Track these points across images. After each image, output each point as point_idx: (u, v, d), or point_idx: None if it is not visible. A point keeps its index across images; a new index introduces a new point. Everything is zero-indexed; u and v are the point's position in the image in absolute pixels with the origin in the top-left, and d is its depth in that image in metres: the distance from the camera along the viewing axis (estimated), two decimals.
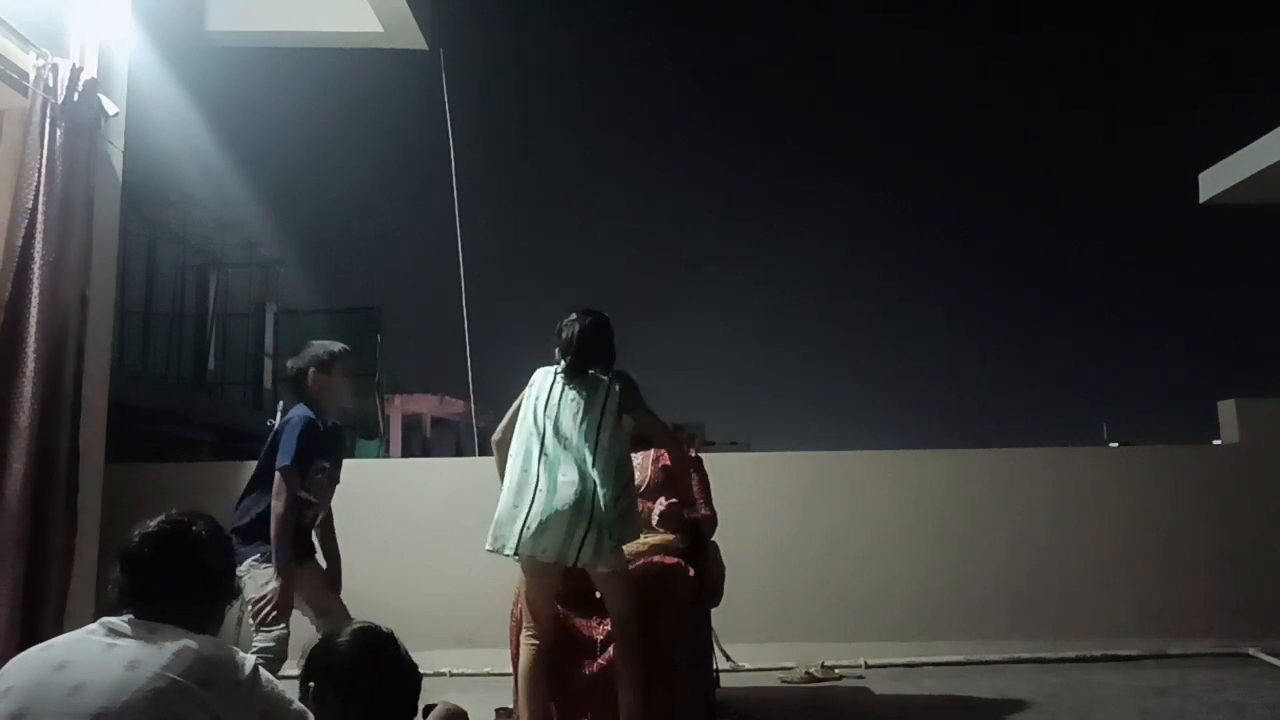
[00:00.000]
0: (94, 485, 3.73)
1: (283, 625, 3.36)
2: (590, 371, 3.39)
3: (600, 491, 3.18)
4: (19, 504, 3.16)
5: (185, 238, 13.41)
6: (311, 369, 3.67)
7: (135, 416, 9.79)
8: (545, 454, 3.25)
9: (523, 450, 3.31)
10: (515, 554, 3.19)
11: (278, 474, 3.41)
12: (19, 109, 3.47)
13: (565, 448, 3.25)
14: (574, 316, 3.49)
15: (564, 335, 3.46)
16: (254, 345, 14.83)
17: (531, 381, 3.48)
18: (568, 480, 3.18)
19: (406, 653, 2.02)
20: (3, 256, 3.34)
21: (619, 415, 3.35)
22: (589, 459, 3.23)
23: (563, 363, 3.43)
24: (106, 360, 3.90)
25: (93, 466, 3.71)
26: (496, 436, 3.54)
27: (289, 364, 3.76)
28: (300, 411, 3.58)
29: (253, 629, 3.35)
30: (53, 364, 3.33)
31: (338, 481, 3.78)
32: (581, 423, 3.28)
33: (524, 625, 3.39)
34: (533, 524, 3.15)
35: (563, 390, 3.37)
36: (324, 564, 3.75)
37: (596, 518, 3.16)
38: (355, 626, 2.04)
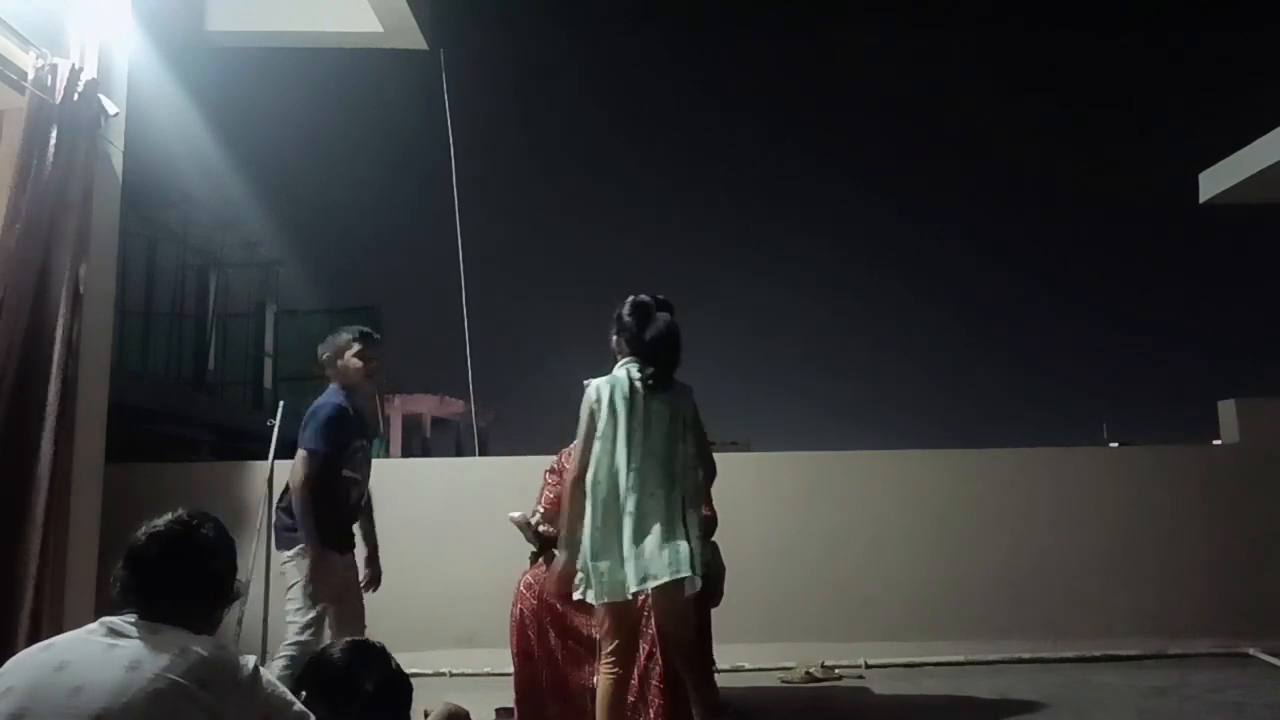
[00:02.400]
0: (94, 485, 3.72)
1: (321, 605, 3.37)
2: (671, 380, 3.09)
3: (689, 510, 3.03)
4: None
5: (185, 238, 13.42)
6: (327, 354, 3.70)
7: (135, 416, 9.81)
8: (635, 478, 2.96)
9: (612, 478, 2.99)
10: (635, 593, 2.94)
11: (297, 455, 3.46)
12: (19, 109, 3.47)
13: (656, 468, 2.99)
14: (648, 300, 3.09)
15: (649, 336, 3.06)
16: (254, 345, 14.87)
17: (597, 398, 3.05)
18: (660, 502, 2.96)
19: (397, 664, 2.08)
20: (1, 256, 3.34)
21: (695, 431, 3.13)
22: (681, 478, 3.03)
23: (650, 370, 3.05)
24: (106, 361, 3.89)
25: (93, 466, 3.70)
26: (575, 474, 3.02)
27: (319, 349, 3.78)
28: (325, 399, 3.61)
29: (286, 618, 3.37)
30: (41, 363, 3.31)
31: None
32: (673, 439, 3.04)
33: (604, 655, 3.02)
34: (644, 559, 2.91)
35: (648, 401, 3.02)
36: (362, 561, 3.73)
37: (689, 536, 2.99)
38: (347, 639, 2.13)
